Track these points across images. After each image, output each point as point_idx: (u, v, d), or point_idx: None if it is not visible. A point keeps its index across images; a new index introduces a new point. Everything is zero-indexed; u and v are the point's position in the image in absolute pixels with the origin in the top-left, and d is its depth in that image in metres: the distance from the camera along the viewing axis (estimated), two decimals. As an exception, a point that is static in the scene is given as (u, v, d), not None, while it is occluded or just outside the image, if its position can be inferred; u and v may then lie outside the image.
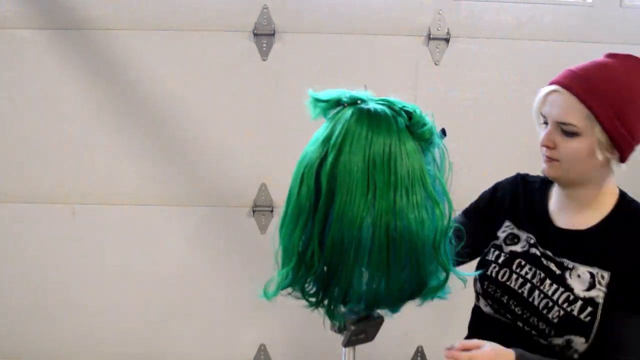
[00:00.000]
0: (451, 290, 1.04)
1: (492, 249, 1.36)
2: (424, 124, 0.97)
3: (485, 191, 1.48)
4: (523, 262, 1.29)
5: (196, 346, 2.50)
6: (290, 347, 2.51)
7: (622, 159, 1.22)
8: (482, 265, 1.36)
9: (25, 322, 2.46)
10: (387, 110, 0.96)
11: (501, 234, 1.37)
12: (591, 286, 1.20)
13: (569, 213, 1.28)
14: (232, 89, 2.37)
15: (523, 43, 2.37)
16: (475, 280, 1.37)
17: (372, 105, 0.97)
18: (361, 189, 0.92)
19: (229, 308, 2.47)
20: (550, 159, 1.23)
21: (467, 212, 1.48)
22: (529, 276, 1.27)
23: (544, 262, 1.27)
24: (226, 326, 2.49)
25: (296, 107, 2.63)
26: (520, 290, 1.27)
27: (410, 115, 0.96)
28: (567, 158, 1.20)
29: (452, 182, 1.01)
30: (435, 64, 2.38)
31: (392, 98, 1.00)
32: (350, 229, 0.92)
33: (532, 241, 1.31)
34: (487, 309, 1.35)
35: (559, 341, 1.22)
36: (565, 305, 1.21)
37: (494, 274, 1.32)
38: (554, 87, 1.20)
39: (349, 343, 1.02)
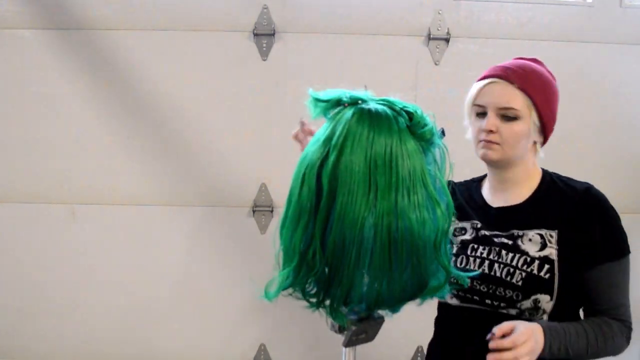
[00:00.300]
0: (451, 289, 1.04)
1: None
2: (425, 125, 0.97)
3: None
4: (476, 246, 1.39)
5: (196, 346, 2.50)
6: (290, 347, 2.51)
7: (544, 141, 1.39)
8: None
9: (25, 322, 2.46)
10: (388, 111, 0.96)
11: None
12: (543, 246, 1.32)
13: (503, 193, 1.41)
14: (232, 89, 2.37)
15: (523, 43, 2.37)
16: None
17: (372, 106, 0.97)
18: (363, 189, 0.92)
19: (229, 308, 2.47)
20: (491, 143, 1.34)
21: None
22: (484, 254, 1.37)
23: (495, 239, 1.37)
24: (226, 326, 2.49)
25: (296, 107, 2.63)
26: (481, 269, 1.35)
27: (411, 115, 0.96)
28: (509, 140, 1.32)
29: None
30: (435, 64, 2.38)
31: (392, 98, 1.00)
32: (351, 229, 0.92)
33: (478, 226, 1.41)
34: (453, 301, 1.40)
35: (527, 304, 1.30)
36: (525, 267, 1.31)
37: (452, 264, 1.34)
38: (491, 79, 1.35)
39: (350, 343, 1.02)
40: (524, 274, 1.31)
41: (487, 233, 1.39)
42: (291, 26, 2.35)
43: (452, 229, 1.38)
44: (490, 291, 1.34)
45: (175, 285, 2.46)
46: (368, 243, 0.92)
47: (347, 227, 0.92)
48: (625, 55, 2.39)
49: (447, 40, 2.36)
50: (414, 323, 2.44)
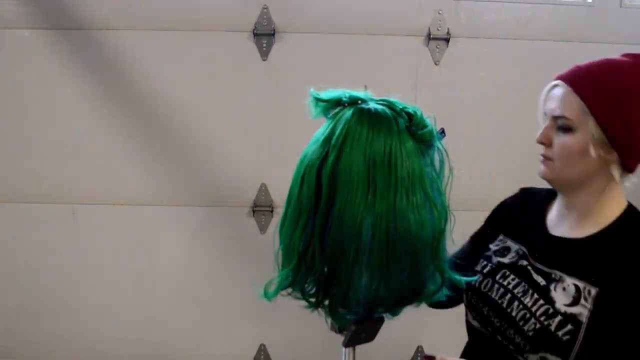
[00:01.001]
0: (449, 292, 1.04)
1: (481, 260, 1.29)
2: (425, 126, 0.97)
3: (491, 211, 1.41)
4: (508, 273, 1.21)
5: (196, 346, 2.50)
6: (290, 347, 2.51)
7: (625, 164, 1.10)
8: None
9: (25, 322, 2.46)
10: (388, 111, 0.96)
11: (493, 247, 1.29)
12: (575, 301, 1.08)
13: (568, 223, 1.18)
14: (232, 89, 2.37)
15: (523, 43, 2.37)
16: (464, 291, 1.27)
17: (372, 106, 0.96)
18: (362, 190, 0.92)
19: (229, 308, 2.47)
20: (545, 158, 1.15)
21: (472, 236, 1.41)
22: (510, 286, 1.18)
23: (532, 273, 1.17)
24: (226, 326, 2.49)
25: (296, 107, 2.63)
26: (500, 301, 1.19)
27: (411, 116, 0.96)
28: (559, 155, 1.11)
29: (453, 184, 1.01)
30: (435, 64, 2.38)
31: (392, 99, 1.00)
32: (350, 229, 0.92)
33: (521, 252, 1.22)
34: (474, 322, 1.28)
35: (534, 358, 1.11)
36: (542, 318, 1.10)
37: (477, 285, 1.25)
38: (555, 81, 1.14)
39: (349, 343, 1.02)
40: (538, 325, 1.10)
41: (525, 263, 1.19)
42: (291, 26, 2.35)
43: (493, 247, 1.31)
44: (502, 328, 1.17)
45: (175, 285, 2.46)
46: (366, 243, 0.92)
47: (346, 227, 0.92)
48: (625, 56, 2.39)
49: (447, 40, 2.36)
50: (414, 323, 2.45)
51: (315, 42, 2.35)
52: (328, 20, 2.35)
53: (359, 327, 1.01)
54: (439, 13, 2.35)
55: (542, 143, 1.15)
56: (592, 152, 1.08)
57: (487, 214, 1.43)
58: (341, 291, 0.96)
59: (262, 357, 2.52)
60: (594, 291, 1.07)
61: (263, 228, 2.44)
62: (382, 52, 2.36)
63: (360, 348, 1.06)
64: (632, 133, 1.07)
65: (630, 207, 1.16)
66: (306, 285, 1.00)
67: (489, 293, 1.21)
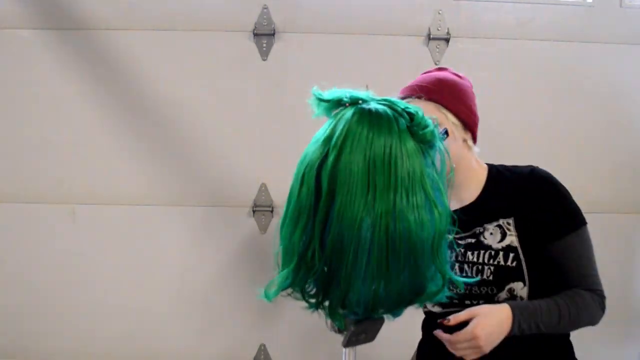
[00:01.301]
0: (451, 293, 1.04)
1: None
2: (426, 126, 0.97)
3: None
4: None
5: (196, 346, 2.50)
6: (290, 347, 2.51)
7: (474, 136, 1.42)
8: None
9: (25, 322, 2.46)
10: (389, 111, 0.96)
11: None
12: (503, 235, 1.36)
13: (455, 196, 1.43)
14: (232, 89, 2.37)
15: (523, 43, 2.37)
16: None
17: (373, 106, 0.97)
18: (361, 190, 0.92)
19: (229, 308, 2.47)
20: None
21: None
22: (452, 259, 1.38)
23: (460, 241, 1.40)
24: (226, 326, 2.49)
25: (296, 107, 2.65)
26: (453, 272, 1.34)
27: (412, 116, 0.96)
28: None
29: (452, 185, 1.01)
30: (435, 64, 2.37)
31: (394, 98, 1.00)
32: (349, 229, 0.92)
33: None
34: (436, 309, 1.43)
35: (503, 295, 1.34)
36: (491, 260, 1.35)
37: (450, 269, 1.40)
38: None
39: (349, 343, 1.02)
40: (492, 267, 1.34)
41: (449, 237, 1.37)
42: (291, 26, 2.35)
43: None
44: (467, 292, 1.36)
45: (175, 285, 2.46)
46: (365, 243, 0.92)
47: (346, 227, 0.92)
48: (625, 55, 2.39)
49: (447, 40, 2.36)
50: (413, 323, 2.45)
51: (315, 42, 2.35)
52: (328, 20, 2.35)
53: (359, 327, 1.00)
54: (439, 13, 2.35)
55: None
56: (457, 135, 1.37)
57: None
58: (341, 292, 0.96)
59: (262, 357, 2.52)
60: (511, 221, 1.37)
61: (263, 228, 2.44)
62: (382, 52, 2.36)
63: (359, 348, 1.06)
64: (473, 112, 1.42)
65: (490, 165, 1.47)
66: (306, 286, 1.00)
67: None
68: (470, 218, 1.38)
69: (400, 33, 2.36)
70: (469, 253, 1.37)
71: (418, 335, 2.62)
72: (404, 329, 2.46)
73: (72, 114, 2.35)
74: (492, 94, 2.40)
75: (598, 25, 2.37)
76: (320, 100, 1.00)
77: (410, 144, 0.95)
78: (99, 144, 2.37)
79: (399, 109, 0.97)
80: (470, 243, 1.38)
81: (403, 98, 1.38)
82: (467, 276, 1.35)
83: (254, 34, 2.33)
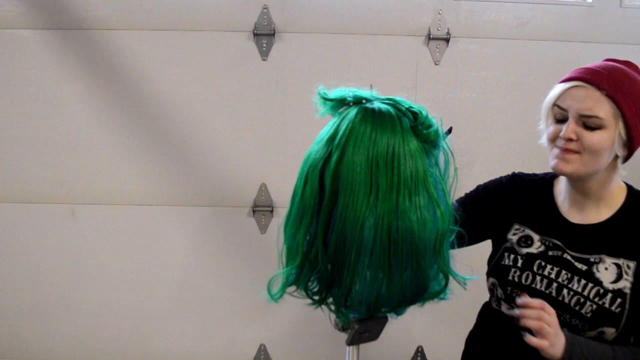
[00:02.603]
0: (453, 291, 1.04)
1: (506, 254, 1.36)
2: (430, 126, 0.97)
3: (485, 185, 1.48)
4: (543, 263, 1.31)
5: (196, 346, 2.50)
6: (290, 347, 2.51)
7: (627, 157, 1.29)
8: (499, 271, 1.36)
9: (25, 322, 2.46)
10: (392, 110, 0.96)
11: (512, 237, 1.37)
12: (619, 277, 1.24)
13: (582, 209, 1.32)
14: (232, 89, 2.37)
15: (523, 43, 2.37)
16: (494, 285, 1.38)
17: (377, 105, 0.96)
18: (364, 190, 0.92)
19: (229, 308, 2.47)
20: (568, 152, 1.24)
21: (463, 203, 1.45)
22: (553, 276, 1.29)
23: (572, 262, 1.29)
24: (226, 326, 2.49)
25: (296, 107, 2.64)
26: (547, 291, 1.29)
27: (415, 116, 0.96)
28: (591, 149, 1.22)
29: (456, 185, 1.01)
30: (435, 64, 2.38)
31: (398, 98, 1.00)
32: (352, 229, 0.92)
33: (550, 243, 1.32)
34: (510, 312, 1.34)
35: (591, 334, 1.25)
36: (596, 299, 1.24)
37: (516, 279, 1.33)
38: (576, 82, 1.23)
39: (353, 341, 1.02)
40: (594, 306, 1.24)
41: (559, 253, 1.31)
42: (291, 26, 2.35)
43: (512, 237, 1.37)
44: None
45: (175, 285, 2.46)
46: (368, 243, 0.92)
47: (348, 227, 0.92)
48: (625, 55, 2.38)
49: (447, 40, 2.36)
50: (414, 323, 2.45)
51: (315, 42, 2.35)
52: (328, 20, 2.34)
53: (363, 326, 1.01)
54: (439, 13, 2.35)
55: (570, 139, 1.23)
56: (617, 149, 1.24)
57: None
58: (343, 290, 0.96)
59: (262, 357, 2.52)
60: (632, 265, 1.24)
61: (263, 228, 2.44)
62: (382, 52, 2.36)
63: (362, 347, 1.06)
64: None
65: (629, 186, 1.34)
66: (309, 284, 1.00)
67: (533, 285, 1.31)
68: (588, 241, 1.29)
69: (400, 33, 2.36)
70: (576, 279, 1.26)
71: (418, 335, 2.61)
72: (405, 329, 2.48)
73: (72, 113, 2.35)
74: (492, 93, 2.40)
75: (598, 25, 2.37)
76: (325, 99, 1.00)
77: (414, 144, 0.94)
78: (99, 144, 2.37)
79: (403, 109, 0.97)
80: (579, 269, 1.27)
81: (577, 79, 1.23)
82: (562, 300, 1.26)
83: (254, 34, 2.33)
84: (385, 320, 1.03)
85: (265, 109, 2.38)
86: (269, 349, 2.51)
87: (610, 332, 1.24)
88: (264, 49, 2.35)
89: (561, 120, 1.26)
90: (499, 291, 1.36)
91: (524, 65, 2.37)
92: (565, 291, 1.27)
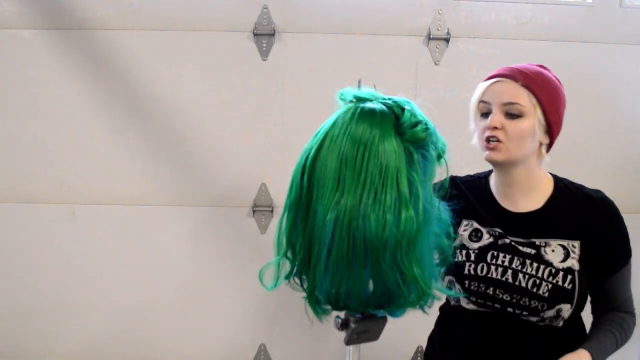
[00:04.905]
0: (439, 297, 1.04)
1: (457, 251, 1.42)
2: (414, 124, 0.96)
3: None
4: (496, 253, 1.38)
5: (196, 346, 2.50)
6: (290, 347, 2.51)
7: (550, 145, 1.39)
8: (454, 268, 1.40)
9: (25, 322, 2.46)
10: (378, 109, 0.96)
11: (463, 233, 1.44)
12: (566, 257, 1.34)
13: (515, 198, 1.40)
14: (232, 89, 2.37)
15: (523, 43, 2.37)
16: (451, 282, 1.42)
17: (367, 104, 0.97)
18: (332, 185, 0.93)
19: (229, 308, 2.47)
20: (496, 143, 1.33)
21: None
22: (506, 263, 1.36)
23: (518, 247, 1.37)
24: (226, 326, 2.49)
25: (296, 107, 2.64)
26: (504, 278, 1.35)
27: (399, 115, 0.96)
28: (514, 136, 1.32)
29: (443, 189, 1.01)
30: (435, 64, 2.38)
31: (397, 97, 1.00)
32: (318, 224, 0.94)
33: (495, 233, 1.40)
34: (470, 306, 1.42)
35: (550, 313, 1.34)
36: (550, 278, 1.33)
37: (472, 271, 1.39)
38: (496, 78, 1.35)
39: (351, 341, 1.02)
40: (550, 285, 1.32)
41: (507, 240, 1.38)
42: (291, 26, 2.35)
43: (463, 233, 1.43)
44: (514, 300, 1.35)
45: (175, 285, 2.46)
46: (327, 237, 0.93)
47: (316, 221, 0.94)
48: (625, 55, 2.39)
49: (447, 40, 2.36)
50: (414, 323, 2.44)
51: (315, 42, 2.35)
52: (328, 20, 2.35)
53: (360, 325, 1.01)
54: (439, 13, 2.35)
55: (495, 127, 1.33)
56: (538, 134, 1.34)
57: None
58: (309, 285, 0.99)
59: (262, 357, 2.52)
60: (577, 244, 1.35)
61: (263, 228, 2.44)
62: (382, 52, 2.36)
63: (362, 347, 1.06)
64: (560, 120, 1.38)
65: (554, 177, 1.44)
66: (295, 276, 1.03)
67: (489, 275, 1.37)
68: (530, 227, 1.37)
69: (400, 33, 2.36)
70: (528, 262, 1.35)
71: (418, 335, 2.61)
72: (404, 329, 2.47)
73: (72, 113, 2.35)
74: (492, 94, 2.40)
75: (598, 25, 2.37)
76: (340, 98, 1.02)
77: (392, 142, 0.94)
78: (98, 144, 2.37)
79: (391, 106, 0.97)
80: (529, 254, 1.35)
81: (496, 76, 1.35)
82: (519, 285, 1.34)
83: (254, 34, 2.33)
84: (385, 321, 1.03)
85: (265, 109, 2.38)
86: (269, 349, 2.51)
87: (566, 308, 1.33)
88: (264, 49, 2.35)
89: (486, 113, 1.36)
90: (456, 286, 1.41)
91: (524, 65, 2.37)
92: (520, 275, 1.34)
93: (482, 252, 1.39)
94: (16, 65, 2.33)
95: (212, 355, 2.51)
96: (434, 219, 1.00)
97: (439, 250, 1.04)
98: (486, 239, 1.40)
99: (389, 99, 1.00)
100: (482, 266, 1.38)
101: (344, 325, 1.02)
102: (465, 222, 1.45)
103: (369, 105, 0.97)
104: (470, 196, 1.46)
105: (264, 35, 2.33)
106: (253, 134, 2.39)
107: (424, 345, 2.63)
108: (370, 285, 0.97)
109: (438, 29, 2.36)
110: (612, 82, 2.41)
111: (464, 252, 1.41)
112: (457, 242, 1.43)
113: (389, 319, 1.05)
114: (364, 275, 0.94)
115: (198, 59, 2.35)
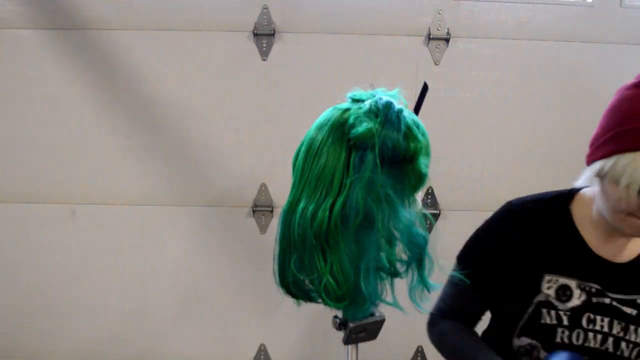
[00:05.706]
0: (428, 297, 1.03)
1: (544, 310, 1.18)
2: (352, 126, 0.93)
3: (482, 241, 1.29)
4: (592, 316, 1.15)
5: (196, 346, 2.50)
6: (290, 347, 2.51)
7: None
8: (540, 331, 1.18)
9: (25, 322, 2.46)
10: (353, 108, 0.96)
11: (548, 291, 1.18)
12: None
13: (615, 243, 1.17)
14: (232, 89, 2.37)
15: (523, 43, 2.37)
16: (533, 347, 1.19)
17: (340, 104, 1.00)
18: (293, 181, 1.00)
19: (229, 308, 2.47)
20: None
21: (467, 284, 1.22)
22: (605, 329, 1.14)
23: (614, 306, 1.14)
24: (226, 326, 2.49)
25: (296, 107, 2.64)
26: (603, 347, 1.15)
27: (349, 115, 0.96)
28: None
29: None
30: (435, 64, 2.38)
31: (389, 100, 0.97)
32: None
33: (592, 289, 1.16)
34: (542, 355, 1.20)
35: None
36: None
37: (566, 339, 1.16)
38: None
39: (349, 341, 1.03)
40: None
41: (607, 300, 1.15)
42: (291, 26, 2.35)
43: (548, 292, 1.18)
44: None
45: (175, 286, 2.46)
46: (278, 231, 1.00)
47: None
48: (625, 55, 2.39)
49: (447, 40, 2.36)
50: (414, 323, 2.45)
51: (315, 42, 2.35)
52: (328, 20, 2.35)
53: (358, 325, 1.01)
54: (439, 13, 2.35)
55: None
56: None
57: (487, 214, 1.33)
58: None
59: (262, 357, 2.52)
60: None
61: (263, 228, 2.44)
62: (382, 52, 2.36)
63: (361, 347, 1.06)
64: None
65: None
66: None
67: (586, 344, 1.15)
68: (628, 279, 1.14)
69: (400, 33, 2.36)
70: (632, 327, 1.12)
71: (418, 335, 2.61)
72: (404, 329, 2.47)
73: (71, 114, 2.35)
74: (492, 93, 2.40)
75: (598, 25, 2.37)
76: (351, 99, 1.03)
77: (337, 143, 0.95)
78: (99, 144, 2.37)
79: (373, 109, 0.95)
80: (631, 316, 1.13)
81: None
82: (620, 355, 1.13)
83: (254, 34, 2.33)
84: (383, 320, 1.04)
85: (265, 109, 2.38)
86: (269, 349, 2.51)
87: None
88: (264, 49, 2.35)
89: None
90: (543, 353, 1.18)
91: (524, 65, 2.37)
92: (623, 344, 1.13)
93: (576, 315, 1.15)
94: (16, 65, 2.33)
95: (212, 355, 2.51)
96: (374, 226, 0.93)
97: (376, 262, 0.97)
98: (577, 297, 1.16)
99: (379, 98, 0.97)
100: (579, 333, 1.15)
101: (342, 325, 1.02)
102: (547, 278, 1.18)
103: (349, 105, 0.98)
104: (548, 238, 1.20)
105: (264, 35, 2.33)
106: (253, 134, 2.39)
107: (424, 345, 2.64)
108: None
109: (438, 29, 2.36)
110: (612, 82, 2.40)
111: (552, 312, 1.16)
112: (540, 297, 1.18)
113: (389, 319, 1.05)
114: (295, 266, 0.99)
115: (198, 59, 2.35)
